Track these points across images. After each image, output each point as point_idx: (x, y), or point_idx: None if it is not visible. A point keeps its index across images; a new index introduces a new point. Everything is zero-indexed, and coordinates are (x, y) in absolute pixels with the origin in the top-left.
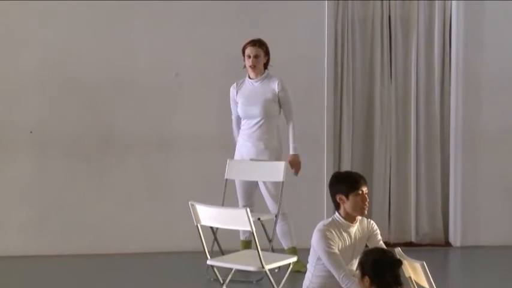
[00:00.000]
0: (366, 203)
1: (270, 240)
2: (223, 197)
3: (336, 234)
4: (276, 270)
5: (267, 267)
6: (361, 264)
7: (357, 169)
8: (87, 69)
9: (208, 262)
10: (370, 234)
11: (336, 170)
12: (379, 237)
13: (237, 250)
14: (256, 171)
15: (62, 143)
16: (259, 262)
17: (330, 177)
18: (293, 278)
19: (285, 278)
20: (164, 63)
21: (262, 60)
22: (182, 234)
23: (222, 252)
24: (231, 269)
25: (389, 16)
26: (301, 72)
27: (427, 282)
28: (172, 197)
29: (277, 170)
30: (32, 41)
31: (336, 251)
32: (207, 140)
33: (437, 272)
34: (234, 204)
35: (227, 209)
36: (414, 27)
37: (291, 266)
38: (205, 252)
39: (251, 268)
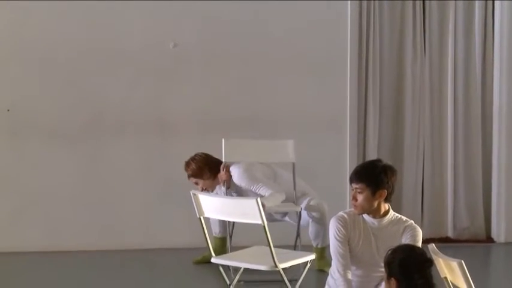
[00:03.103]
0: (353, 200)
1: (298, 235)
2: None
3: (353, 224)
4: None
5: (281, 266)
6: (387, 264)
7: (384, 156)
8: (70, 40)
9: (213, 260)
10: (403, 238)
11: (360, 157)
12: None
13: (245, 246)
14: (262, 152)
15: (43, 124)
16: (272, 260)
17: (352, 166)
18: (316, 278)
19: (301, 278)
20: (160, 32)
21: (206, 177)
22: (183, 227)
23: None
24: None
25: None
26: (318, 41)
27: (466, 283)
28: (171, 185)
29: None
30: (4, 11)
31: (342, 244)
32: (210, 121)
33: (478, 271)
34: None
35: (235, 200)
36: None
37: (308, 265)
38: (209, 249)
39: (263, 267)
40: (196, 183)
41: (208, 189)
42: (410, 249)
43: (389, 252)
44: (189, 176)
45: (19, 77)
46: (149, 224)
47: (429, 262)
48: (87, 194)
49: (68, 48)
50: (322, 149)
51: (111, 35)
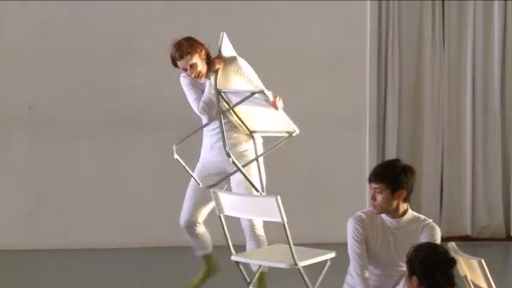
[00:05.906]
0: (372, 200)
1: None
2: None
3: (370, 224)
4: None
5: (301, 264)
6: (409, 262)
7: (404, 152)
8: (88, 37)
9: (233, 258)
10: (421, 237)
11: (380, 156)
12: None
13: None
14: None
15: (62, 122)
16: (292, 258)
17: (371, 165)
18: (332, 277)
19: (321, 277)
20: (177, 28)
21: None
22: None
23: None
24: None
25: None
26: (337, 40)
27: (486, 281)
28: (189, 182)
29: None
30: (24, 9)
31: (360, 244)
32: None
33: (498, 270)
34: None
35: (255, 198)
36: None
37: (328, 263)
38: (228, 247)
39: (282, 265)
40: (191, 66)
41: (201, 73)
42: (433, 247)
43: (412, 250)
44: (185, 53)
45: (39, 76)
46: (166, 221)
47: (452, 261)
48: (105, 191)
49: (86, 46)
50: (342, 148)
51: (129, 32)
